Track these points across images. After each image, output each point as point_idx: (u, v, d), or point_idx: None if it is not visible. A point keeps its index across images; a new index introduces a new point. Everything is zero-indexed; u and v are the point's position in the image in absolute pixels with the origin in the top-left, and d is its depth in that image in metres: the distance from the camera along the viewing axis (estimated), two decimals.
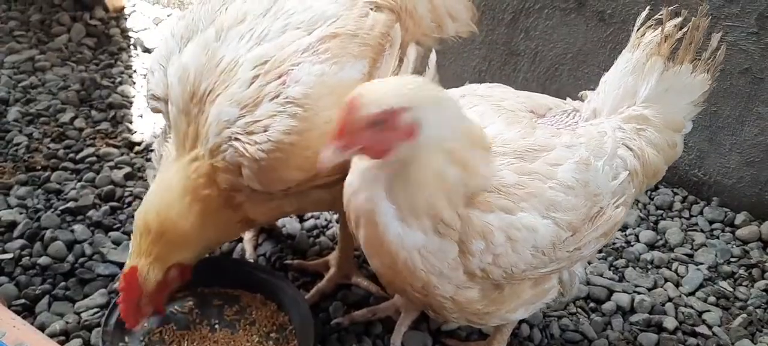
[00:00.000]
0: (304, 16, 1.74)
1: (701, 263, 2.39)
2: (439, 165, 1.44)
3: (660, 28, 1.75)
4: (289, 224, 2.38)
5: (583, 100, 1.87)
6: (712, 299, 2.27)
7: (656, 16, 1.77)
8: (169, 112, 1.82)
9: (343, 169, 1.81)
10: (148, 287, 1.75)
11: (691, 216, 2.60)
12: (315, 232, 2.39)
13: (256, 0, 1.79)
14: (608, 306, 2.20)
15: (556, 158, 1.58)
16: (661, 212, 2.60)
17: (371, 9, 1.82)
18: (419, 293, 1.63)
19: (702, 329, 2.16)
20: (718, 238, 2.50)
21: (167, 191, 1.76)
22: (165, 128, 1.93)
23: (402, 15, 1.88)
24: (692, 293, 2.29)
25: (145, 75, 3.11)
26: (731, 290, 2.30)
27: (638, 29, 1.79)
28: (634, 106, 1.75)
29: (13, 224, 2.26)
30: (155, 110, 1.90)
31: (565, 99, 1.88)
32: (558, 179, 1.55)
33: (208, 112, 1.72)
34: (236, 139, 1.67)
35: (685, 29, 1.75)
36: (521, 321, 2.05)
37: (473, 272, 1.56)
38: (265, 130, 1.64)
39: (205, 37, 1.76)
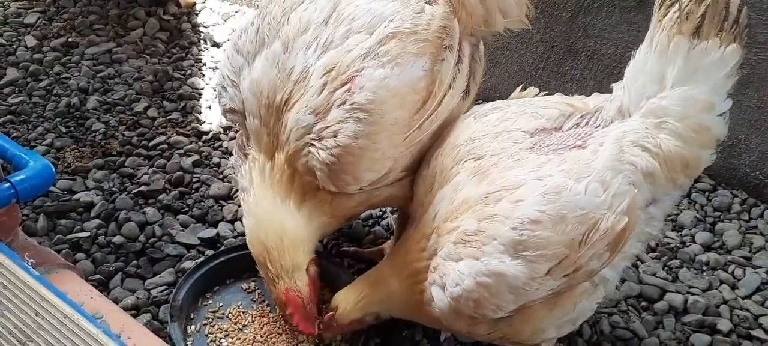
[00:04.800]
0: (364, 19, 1.80)
1: (759, 267, 2.35)
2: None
3: (676, 6, 1.64)
4: None
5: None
6: None
7: None
8: (246, 124, 1.92)
9: (410, 169, 1.89)
10: (306, 294, 1.87)
11: (751, 219, 2.54)
12: (370, 221, 2.47)
13: (316, 8, 1.86)
14: (660, 306, 2.19)
15: (522, 194, 1.56)
16: (719, 213, 2.56)
17: (426, 3, 1.85)
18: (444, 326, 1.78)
19: (758, 332, 2.13)
20: None
21: (267, 207, 1.85)
22: (241, 141, 2.02)
23: (456, 6, 1.89)
24: (749, 296, 2.25)
25: (213, 68, 3.26)
26: None
27: (659, 9, 1.68)
28: (654, 97, 1.65)
29: (90, 205, 2.43)
30: (232, 122, 2.01)
31: None
32: (519, 216, 1.54)
33: (286, 120, 1.81)
34: (312, 144, 1.77)
35: (706, 2, 1.62)
36: None
37: (469, 316, 1.63)
38: (334, 136, 1.73)
39: (272, 51, 1.85)
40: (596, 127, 1.71)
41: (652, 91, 1.67)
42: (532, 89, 1.96)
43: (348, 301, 1.83)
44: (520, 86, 1.99)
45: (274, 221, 1.84)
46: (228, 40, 3.38)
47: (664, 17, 1.67)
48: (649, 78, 1.67)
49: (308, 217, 1.85)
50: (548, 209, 1.54)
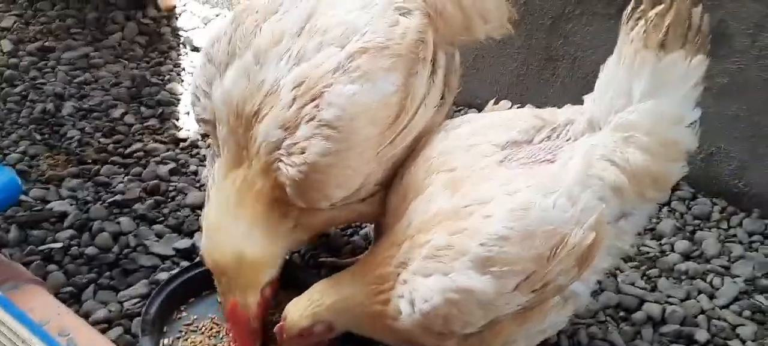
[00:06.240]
0: (337, 31, 1.77)
1: (738, 276, 2.34)
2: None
3: (643, 20, 1.63)
4: None
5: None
6: (747, 312, 2.22)
7: (641, 7, 1.65)
8: (217, 134, 1.90)
9: (383, 183, 1.86)
10: (253, 312, 1.83)
11: (730, 227, 2.54)
12: (349, 231, 2.45)
13: (290, 19, 1.83)
14: (638, 316, 2.18)
15: (491, 210, 1.55)
16: (699, 222, 2.55)
17: (400, 14, 1.81)
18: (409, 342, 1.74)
19: (734, 343, 2.12)
20: (756, 250, 2.45)
21: (227, 225, 1.81)
22: (213, 151, 2.00)
23: (432, 15, 1.86)
24: (726, 306, 2.24)
25: (192, 73, 3.23)
26: None
27: (626, 22, 1.68)
28: (623, 112, 1.65)
29: (63, 215, 2.38)
30: (206, 132, 1.99)
31: None
32: (489, 231, 1.52)
33: (256, 132, 1.78)
34: (281, 160, 1.74)
35: (670, 15, 1.61)
36: None
37: (438, 332, 1.60)
38: (303, 152, 1.70)
39: (244, 62, 1.81)
40: (567, 140, 1.70)
41: (620, 104, 1.66)
42: (505, 103, 1.95)
43: (297, 307, 1.77)
44: (493, 100, 1.97)
45: (234, 240, 1.79)
46: None
47: (631, 30, 1.66)
48: (617, 92, 1.67)
49: (274, 234, 1.82)
50: (516, 226, 1.53)
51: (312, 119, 1.69)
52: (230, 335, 1.93)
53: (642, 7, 1.66)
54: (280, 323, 1.79)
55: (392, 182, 1.83)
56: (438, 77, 1.88)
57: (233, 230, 1.79)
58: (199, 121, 1.99)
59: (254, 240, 1.79)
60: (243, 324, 1.83)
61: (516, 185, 1.59)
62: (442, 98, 1.93)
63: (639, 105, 1.64)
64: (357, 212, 1.91)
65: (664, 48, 1.62)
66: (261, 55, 1.80)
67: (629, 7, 1.69)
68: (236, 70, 1.82)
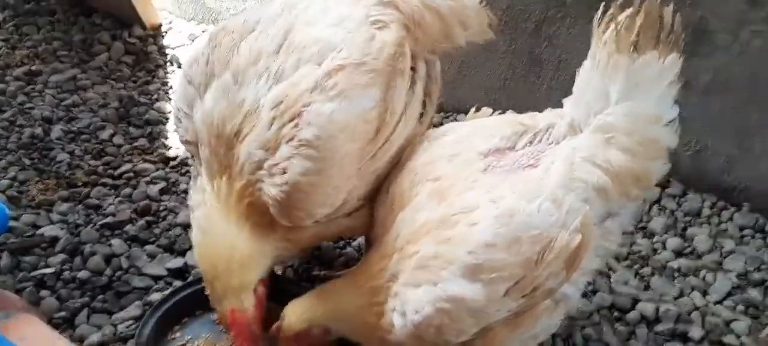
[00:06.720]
0: (315, 48, 1.76)
1: (730, 271, 2.35)
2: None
3: (613, 24, 1.66)
4: None
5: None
6: (740, 307, 2.23)
7: (610, 11, 1.68)
8: (200, 155, 1.90)
9: (367, 197, 1.86)
10: (251, 314, 1.83)
11: (721, 222, 2.55)
12: (341, 243, 2.45)
13: (268, 37, 1.82)
14: (633, 316, 2.19)
15: (477, 217, 1.56)
16: (690, 218, 2.56)
17: (377, 29, 1.80)
18: None
19: (729, 338, 2.13)
20: (748, 244, 2.46)
21: (217, 224, 1.81)
22: (196, 170, 2.00)
23: (410, 26, 1.86)
24: (720, 302, 2.25)
25: None
26: (761, 298, 2.26)
27: (598, 26, 1.70)
28: (601, 114, 1.66)
29: (55, 240, 2.38)
30: (189, 152, 1.99)
31: None
32: (475, 239, 1.53)
33: (238, 152, 1.78)
34: (262, 180, 1.74)
35: (641, 17, 1.64)
36: None
37: (432, 342, 1.60)
38: (284, 173, 1.69)
39: (222, 83, 1.81)
40: (549, 144, 1.71)
41: (598, 107, 1.68)
42: (486, 110, 1.95)
43: (295, 311, 1.78)
44: (474, 108, 1.98)
45: (225, 238, 1.80)
46: None
47: (603, 34, 1.68)
48: (594, 95, 1.68)
49: (262, 242, 1.82)
50: (502, 232, 1.53)
51: (292, 139, 1.68)
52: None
53: (612, 11, 1.68)
54: (278, 323, 1.80)
55: (379, 194, 1.84)
56: (417, 88, 1.88)
57: (223, 233, 1.80)
58: (183, 142, 1.99)
59: (243, 239, 1.80)
60: (245, 330, 1.82)
61: (500, 191, 1.60)
62: (423, 109, 1.93)
63: (616, 107, 1.66)
64: (344, 227, 1.91)
65: (637, 50, 1.63)
66: (239, 75, 1.79)
67: (600, 12, 1.71)
68: (215, 91, 1.81)
